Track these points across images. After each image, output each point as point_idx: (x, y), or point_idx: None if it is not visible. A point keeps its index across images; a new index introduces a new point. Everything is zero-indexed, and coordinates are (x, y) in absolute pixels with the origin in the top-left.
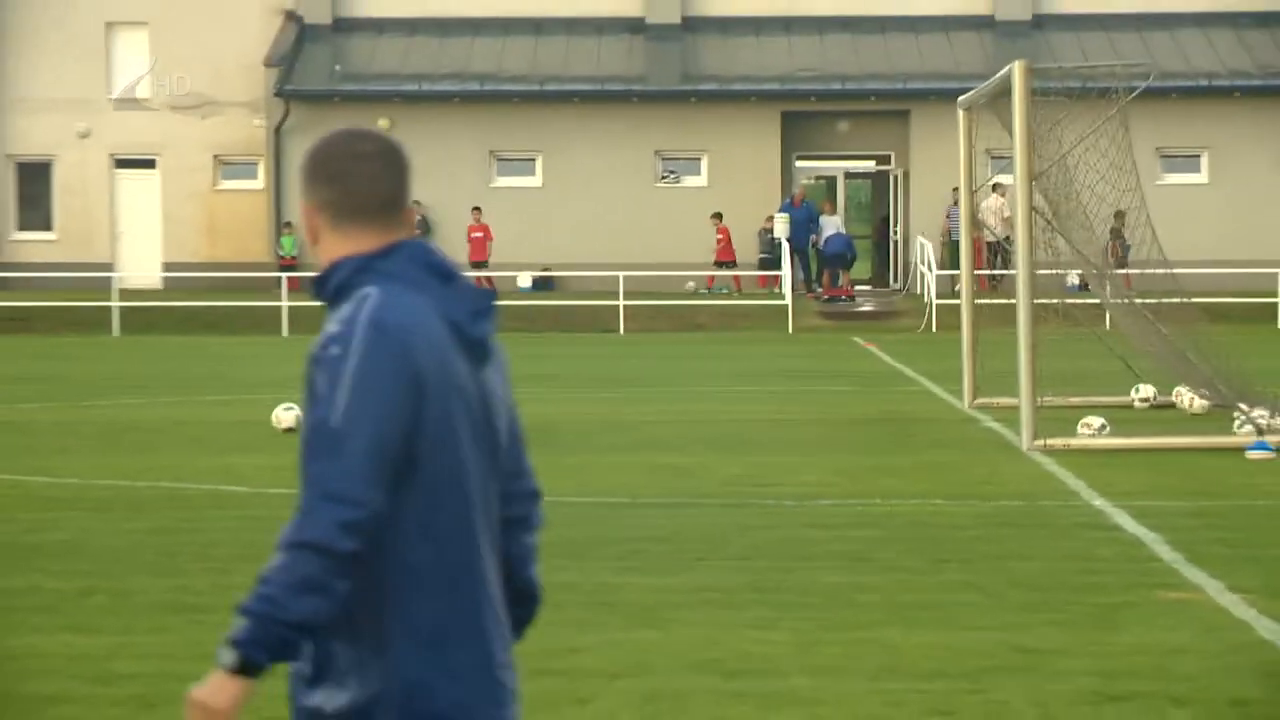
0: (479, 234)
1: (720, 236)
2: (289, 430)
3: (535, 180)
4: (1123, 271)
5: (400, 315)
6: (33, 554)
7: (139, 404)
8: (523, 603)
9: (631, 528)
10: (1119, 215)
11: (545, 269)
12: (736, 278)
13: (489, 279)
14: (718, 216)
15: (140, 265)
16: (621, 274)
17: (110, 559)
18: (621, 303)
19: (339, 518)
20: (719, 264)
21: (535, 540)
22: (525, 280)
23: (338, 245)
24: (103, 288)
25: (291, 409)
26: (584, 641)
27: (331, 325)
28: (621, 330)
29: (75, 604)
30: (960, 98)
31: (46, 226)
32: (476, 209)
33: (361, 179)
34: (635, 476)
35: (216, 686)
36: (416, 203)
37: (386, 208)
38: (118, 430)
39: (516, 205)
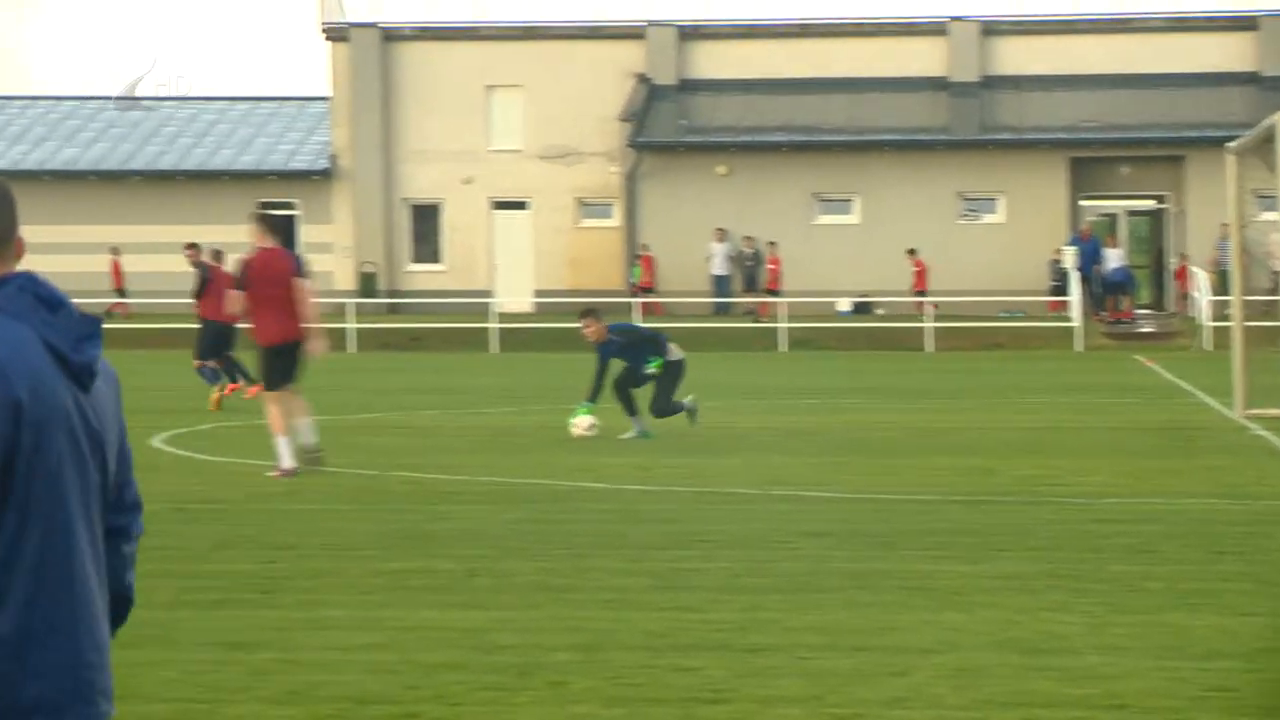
0: (773, 266)
1: (916, 269)
2: (581, 436)
3: (854, 218)
4: None
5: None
6: (429, 540)
7: (514, 411)
8: (117, 606)
9: (942, 521)
10: None
11: (863, 295)
12: (921, 303)
13: (763, 304)
14: (912, 252)
15: (514, 292)
16: (929, 299)
17: (491, 545)
18: (929, 324)
19: None
20: (918, 293)
21: (133, 548)
22: (845, 305)
23: None
24: (483, 311)
25: (579, 423)
26: (899, 621)
27: None
28: (929, 348)
29: (463, 583)
30: (1228, 144)
31: (436, 259)
32: (772, 244)
33: None
34: (944, 476)
35: None
36: (747, 238)
37: None
38: (497, 434)
39: (837, 240)
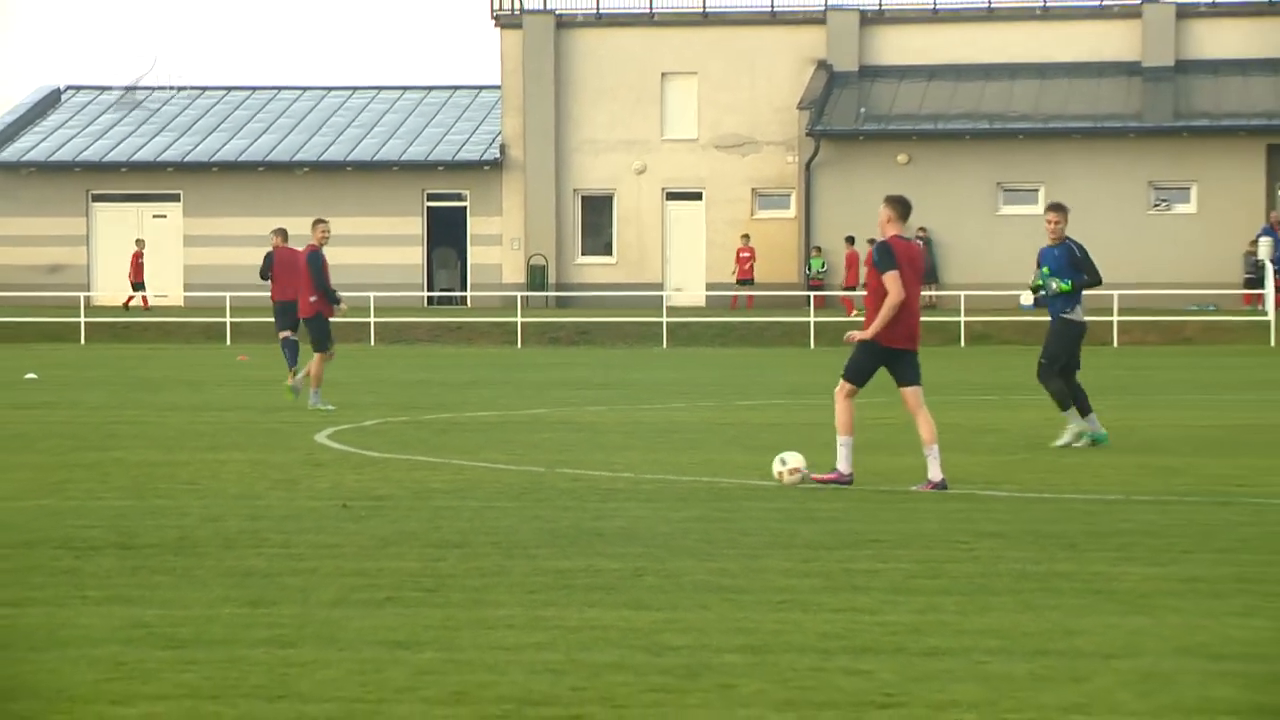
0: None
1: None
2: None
3: (1038, 208)
4: None
5: None
6: (594, 538)
7: (683, 408)
8: None
9: (1125, 521)
10: None
11: None
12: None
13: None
14: (849, 240)
15: (686, 285)
16: (1116, 292)
17: (659, 544)
18: (1115, 319)
19: None
20: (845, 288)
21: None
22: (1028, 299)
23: None
24: (654, 305)
25: (787, 462)
26: (1080, 625)
27: None
28: (1115, 344)
29: (629, 583)
30: None
31: (607, 251)
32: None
33: None
34: (1129, 475)
35: None
36: (921, 229)
37: None
38: (666, 430)
39: (1021, 231)
